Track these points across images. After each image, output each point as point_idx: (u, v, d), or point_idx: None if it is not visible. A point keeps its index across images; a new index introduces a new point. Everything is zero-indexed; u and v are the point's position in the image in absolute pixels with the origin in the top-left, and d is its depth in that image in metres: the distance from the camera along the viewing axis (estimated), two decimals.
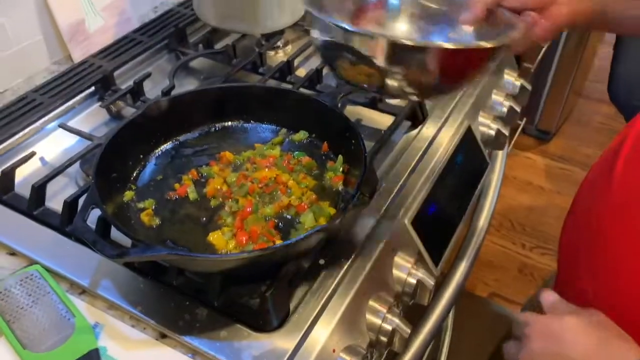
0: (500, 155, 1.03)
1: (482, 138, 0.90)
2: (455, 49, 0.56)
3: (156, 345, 0.57)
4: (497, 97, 0.96)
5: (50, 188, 0.72)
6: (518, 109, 0.96)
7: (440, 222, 0.80)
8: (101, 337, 0.58)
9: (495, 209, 0.99)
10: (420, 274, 0.68)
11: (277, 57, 1.03)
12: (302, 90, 0.82)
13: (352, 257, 0.65)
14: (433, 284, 0.68)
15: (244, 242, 0.61)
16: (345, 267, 0.63)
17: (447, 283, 0.83)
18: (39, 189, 0.70)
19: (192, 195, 0.67)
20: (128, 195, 0.67)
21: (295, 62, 0.95)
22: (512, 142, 1.92)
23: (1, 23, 0.88)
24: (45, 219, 0.69)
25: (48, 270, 0.63)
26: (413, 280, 0.67)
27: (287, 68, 0.92)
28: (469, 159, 0.87)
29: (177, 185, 0.68)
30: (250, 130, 0.77)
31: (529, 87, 1.01)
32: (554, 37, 0.68)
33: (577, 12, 0.66)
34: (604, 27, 0.78)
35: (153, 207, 0.66)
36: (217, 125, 0.77)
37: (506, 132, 0.91)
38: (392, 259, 0.68)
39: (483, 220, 0.93)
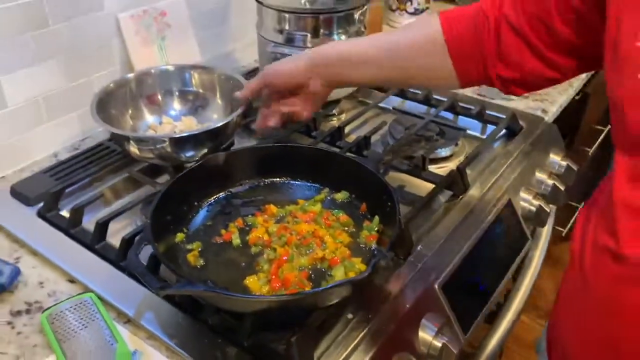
0: (545, 232, 1.04)
1: (523, 213, 0.91)
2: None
3: None
4: (540, 174, 0.97)
5: (113, 226, 0.79)
6: (562, 187, 0.97)
7: (473, 290, 0.81)
8: None
9: (541, 287, 0.98)
10: (447, 338, 0.69)
11: (331, 123, 1.10)
12: (348, 154, 0.88)
13: (379, 314, 0.67)
14: (459, 349, 0.69)
15: (277, 288, 0.65)
16: (372, 323, 0.66)
17: (478, 356, 0.83)
18: (102, 226, 0.78)
19: (236, 241, 0.72)
20: (179, 237, 0.73)
21: (347, 129, 1.02)
22: (570, 224, 1.88)
23: (89, 79, 1.00)
24: (104, 252, 0.76)
25: (100, 298, 0.69)
26: (438, 344, 0.68)
27: (337, 133, 0.99)
28: (507, 233, 0.88)
29: (223, 231, 0.74)
30: (295, 187, 0.82)
31: (575, 167, 1.02)
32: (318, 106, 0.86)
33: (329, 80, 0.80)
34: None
35: (200, 249, 0.71)
36: (266, 180, 0.83)
37: (548, 209, 0.93)
38: (419, 321, 0.69)
39: (520, 296, 0.93)
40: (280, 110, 0.83)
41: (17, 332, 0.67)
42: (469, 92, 1.16)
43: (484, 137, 1.06)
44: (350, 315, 0.67)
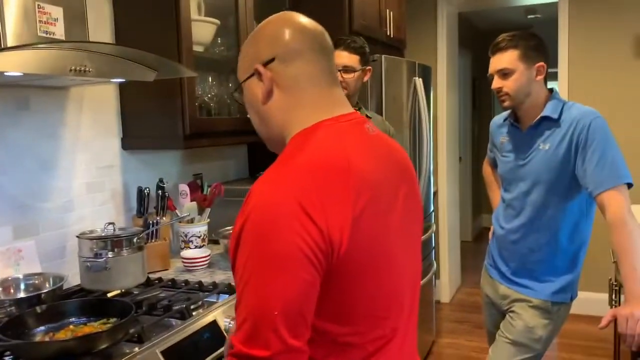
0: None
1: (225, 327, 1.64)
2: None
3: None
4: None
5: None
6: None
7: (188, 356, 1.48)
8: None
9: None
10: None
11: None
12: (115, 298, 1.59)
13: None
14: None
15: None
16: None
17: None
18: None
19: (44, 339, 1.37)
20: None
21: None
22: None
23: None
24: None
25: None
26: None
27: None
28: (212, 336, 1.59)
29: (39, 336, 1.39)
30: (89, 322, 1.50)
31: None
32: None
33: None
34: None
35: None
36: (70, 319, 1.50)
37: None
38: None
39: None
40: None
41: None
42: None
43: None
44: None
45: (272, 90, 1.07)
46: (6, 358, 1.33)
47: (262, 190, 0.94)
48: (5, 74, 1.38)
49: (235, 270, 0.94)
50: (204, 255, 2.18)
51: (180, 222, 2.31)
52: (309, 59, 1.06)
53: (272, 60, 1.05)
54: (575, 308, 2.22)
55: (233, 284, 1.82)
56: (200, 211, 2.41)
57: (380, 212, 1.00)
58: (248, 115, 1.15)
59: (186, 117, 2.10)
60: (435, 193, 4.28)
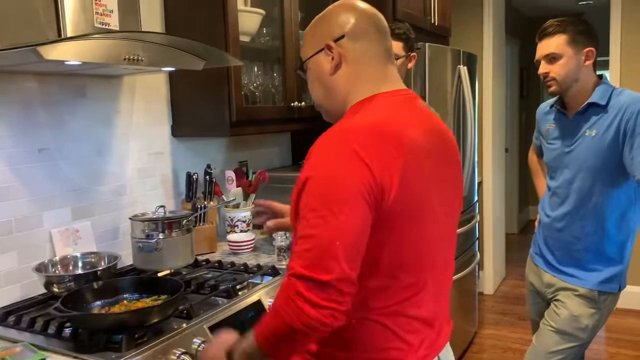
0: None
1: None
2: None
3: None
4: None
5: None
6: None
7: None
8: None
9: None
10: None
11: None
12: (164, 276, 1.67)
13: (174, 332, 1.40)
14: None
15: None
16: (166, 335, 1.38)
17: None
18: (33, 319, 1.49)
19: (101, 312, 1.46)
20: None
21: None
22: None
23: (30, 265, 1.77)
24: (36, 328, 1.46)
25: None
26: (200, 349, 1.40)
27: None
28: (256, 315, 1.65)
29: (96, 310, 1.48)
30: (138, 297, 1.59)
31: None
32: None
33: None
34: None
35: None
36: (124, 295, 1.59)
37: None
38: (192, 336, 1.42)
39: None
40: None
41: None
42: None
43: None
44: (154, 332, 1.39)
45: (340, 64, 1.20)
46: (66, 328, 1.42)
47: (324, 144, 1.08)
48: (66, 62, 1.47)
49: (298, 209, 1.06)
50: (249, 239, 2.24)
51: (226, 206, 2.39)
52: (372, 38, 1.20)
53: (342, 37, 1.19)
54: (624, 302, 2.18)
55: (277, 266, 1.90)
56: (246, 197, 2.48)
57: (423, 176, 1.13)
58: (310, 91, 1.28)
59: (232, 106, 2.16)
60: (479, 183, 4.24)
